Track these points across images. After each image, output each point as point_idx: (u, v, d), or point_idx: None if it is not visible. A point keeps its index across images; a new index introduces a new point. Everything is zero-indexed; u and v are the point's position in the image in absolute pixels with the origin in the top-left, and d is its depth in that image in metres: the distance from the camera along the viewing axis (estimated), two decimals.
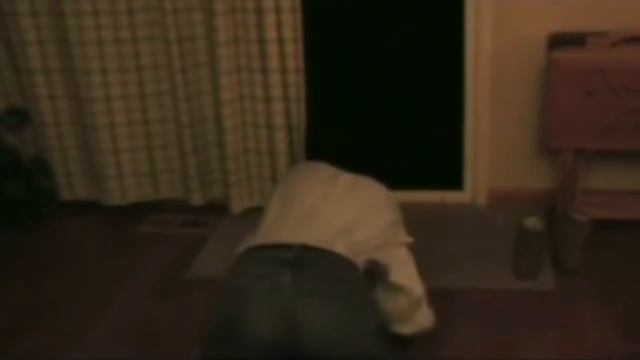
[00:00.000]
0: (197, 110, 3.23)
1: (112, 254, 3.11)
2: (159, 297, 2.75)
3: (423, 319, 2.28)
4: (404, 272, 2.23)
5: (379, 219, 2.23)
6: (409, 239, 2.32)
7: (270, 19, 2.95)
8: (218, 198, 3.39)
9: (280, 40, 3.00)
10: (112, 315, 2.65)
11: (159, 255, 3.05)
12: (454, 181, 3.35)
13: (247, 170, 3.31)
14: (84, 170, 3.43)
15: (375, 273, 2.20)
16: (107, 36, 3.11)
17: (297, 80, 3.06)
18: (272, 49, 3.00)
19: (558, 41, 2.80)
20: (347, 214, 2.18)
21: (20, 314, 2.69)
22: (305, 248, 2.00)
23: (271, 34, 2.98)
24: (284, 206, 2.24)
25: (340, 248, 2.04)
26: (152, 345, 2.45)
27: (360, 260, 2.08)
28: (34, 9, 3.10)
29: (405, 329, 2.27)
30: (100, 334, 2.54)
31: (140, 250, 3.11)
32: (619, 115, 2.73)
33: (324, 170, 2.42)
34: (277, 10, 2.95)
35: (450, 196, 3.35)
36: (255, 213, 3.29)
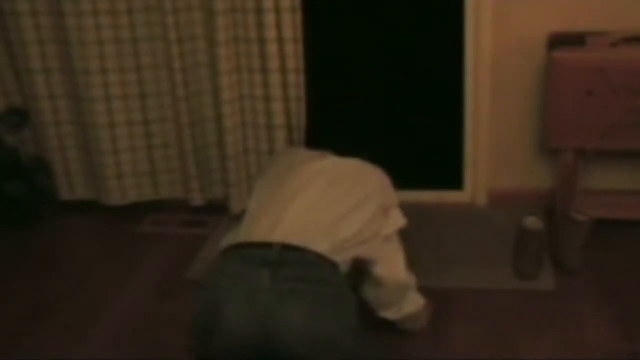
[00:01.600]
0: (197, 110, 3.23)
1: (112, 254, 3.11)
2: (159, 297, 2.75)
3: (409, 305, 2.33)
4: (391, 265, 2.26)
5: (366, 211, 2.18)
6: (401, 223, 2.32)
7: (270, 18, 2.95)
8: (218, 198, 3.39)
9: (280, 40, 3.00)
10: (112, 315, 2.65)
11: (159, 256, 3.05)
12: (454, 181, 3.34)
13: (247, 170, 3.31)
14: (84, 170, 3.43)
15: (360, 269, 2.21)
16: (107, 36, 3.10)
17: (297, 80, 3.06)
18: (272, 49, 3.00)
19: (558, 41, 2.80)
20: (331, 207, 2.13)
21: (20, 314, 2.69)
22: (286, 247, 1.98)
23: (271, 33, 2.98)
24: (265, 199, 2.20)
25: (321, 247, 2.01)
26: (152, 345, 2.45)
27: (343, 258, 2.06)
28: (34, 9, 3.10)
29: (389, 314, 2.32)
30: (100, 333, 2.54)
31: (140, 250, 3.11)
32: (619, 115, 2.73)
33: (307, 157, 2.38)
34: (277, 10, 2.95)
35: (450, 196, 3.35)
36: None
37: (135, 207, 3.42)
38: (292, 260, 1.95)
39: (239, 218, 3.26)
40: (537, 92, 3.07)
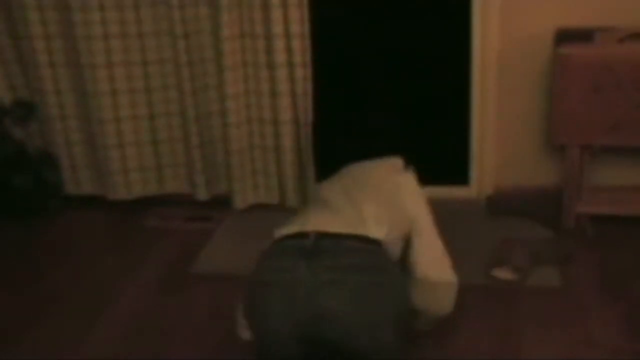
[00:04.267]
0: (203, 105, 3.23)
1: (118, 248, 3.12)
2: (163, 291, 2.75)
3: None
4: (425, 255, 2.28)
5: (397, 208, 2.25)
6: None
7: (276, 14, 2.95)
8: (223, 193, 3.39)
9: (287, 35, 2.99)
10: (117, 309, 2.65)
11: (163, 250, 3.06)
12: (460, 177, 3.34)
13: (253, 166, 3.30)
14: (89, 164, 3.44)
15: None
16: (113, 31, 3.11)
17: (304, 75, 3.05)
18: (279, 44, 3.00)
19: (565, 37, 2.79)
20: (365, 198, 2.20)
21: (25, 307, 2.70)
22: (321, 235, 2.02)
23: (277, 28, 2.97)
24: (317, 200, 2.29)
25: (362, 227, 2.06)
26: (156, 339, 2.46)
27: (390, 233, 2.10)
28: (40, 3, 3.11)
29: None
30: (105, 327, 2.54)
31: (145, 244, 3.11)
32: (626, 111, 2.72)
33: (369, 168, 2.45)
34: (284, 6, 2.95)
35: (456, 192, 3.34)
36: (260, 208, 3.30)
37: (141, 201, 3.42)
38: (328, 248, 1.99)
39: (243, 213, 3.30)
40: (543, 88, 3.06)
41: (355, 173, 2.39)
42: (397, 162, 2.47)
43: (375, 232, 2.07)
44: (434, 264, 2.27)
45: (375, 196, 2.22)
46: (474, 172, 3.32)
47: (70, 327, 2.55)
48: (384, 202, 2.21)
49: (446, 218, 3.14)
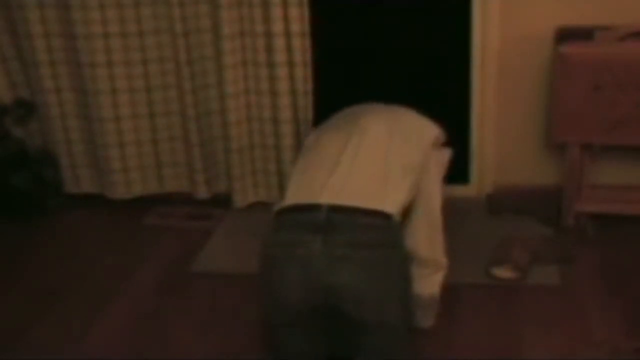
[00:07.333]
0: (203, 104, 3.23)
1: (117, 247, 3.12)
2: (163, 290, 2.75)
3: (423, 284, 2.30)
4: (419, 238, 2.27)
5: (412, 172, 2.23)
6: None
7: (276, 12, 2.95)
8: (223, 191, 3.39)
9: (287, 34, 2.99)
10: (117, 307, 2.65)
11: (163, 248, 3.06)
12: (460, 175, 3.34)
13: (253, 165, 3.30)
14: (89, 163, 3.43)
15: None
16: (113, 29, 3.10)
17: (304, 74, 3.05)
18: (279, 43, 3.00)
19: (565, 35, 2.79)
20: (378, 159, 2.19)
21: (25, 305, 2.70)
22: (333, 209, 2.02)
23: (278, 27, 2.97)
24: (311, 157, 2.26)
25: (373, 200, 2.04)
26: (156, 338, 2.46)
27: (397, 204, 2.09)
28: (40, 1, 3.10)
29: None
30: (105, 326, 2.54)
31: (145, 243, 3.11)
32: (626, 110, 2.72)
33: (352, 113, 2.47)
34: (284, 4, 2.95)
35: (456, 190, 3.34)
36: (260, 207, 3.30)
37: (141, 200, 3.42)
38: (341, 223, 1.99)
39: (243, 212, 3.30)
40: (543, 86, 3.06)
41: (403, 120, 2.41)
42: (440, 134, 2.47)
43: (391, 206, 2.06)
44: (427, 241, 2.28)
45: (408, 157, 2.21)
46: (474, 170, 3.32)
47: (70, 326, 2.55)
48: (412, 170, 2.20)
49: (446, 216, 3.15)
